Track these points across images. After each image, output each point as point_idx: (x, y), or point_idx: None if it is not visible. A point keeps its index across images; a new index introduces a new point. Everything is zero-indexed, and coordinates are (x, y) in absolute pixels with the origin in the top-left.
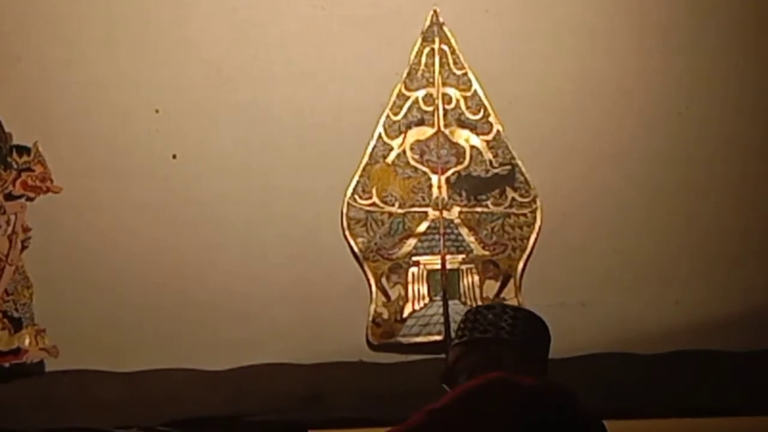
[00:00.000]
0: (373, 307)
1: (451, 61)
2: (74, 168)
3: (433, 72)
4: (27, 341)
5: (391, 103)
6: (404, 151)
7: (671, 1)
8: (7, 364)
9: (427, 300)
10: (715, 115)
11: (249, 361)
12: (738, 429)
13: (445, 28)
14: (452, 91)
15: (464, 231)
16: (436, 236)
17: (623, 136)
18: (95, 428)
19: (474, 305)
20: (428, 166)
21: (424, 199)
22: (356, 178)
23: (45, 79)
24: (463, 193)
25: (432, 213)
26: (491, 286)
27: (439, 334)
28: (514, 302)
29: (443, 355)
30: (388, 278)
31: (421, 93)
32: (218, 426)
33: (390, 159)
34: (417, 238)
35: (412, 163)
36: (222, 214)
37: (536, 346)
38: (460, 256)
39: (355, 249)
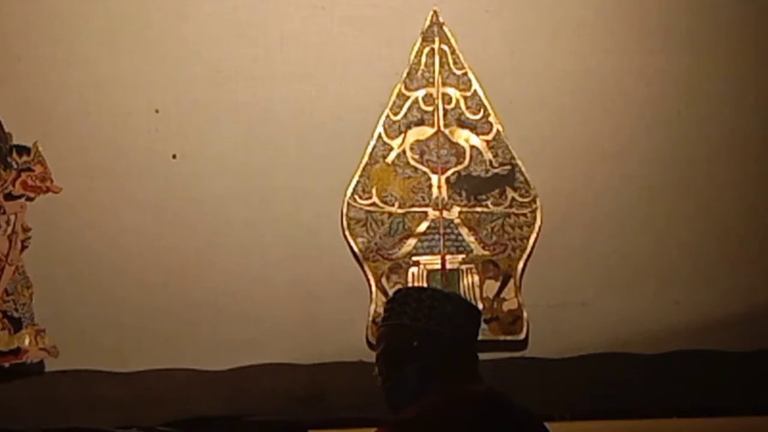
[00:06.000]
0: (373, 307)
1: (451, 61)
2: (74, 168)
3: (433, 72)
4: (27, 341)
5: (391, 103)
6: (404, 151)
7: (671, 1)
8: (7, 364)
9: None
10: (715, 115)
11: (249, 361)
12: (738, 429)
13: (445, 28)
14: (452, 91)
15: (464, 231)
16: (436, 236)
17: (623, 136)
18: (95, 428)
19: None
20: (428, 166)
21: (424, 199)
22: (356, 178)
23: (45, 79)
24: (463, 193)
25: (432, 213)
26: (491, 286)
27: None
28: (514, 302)
29: None
30: (388, 278)
31: (421, 93)
32: (218, 426)
33: (390, 159)
34: (417, 238)
35: (412, 163)
36: (222, 214)
37: (460, 336)
38: (460, 256)
39: (355, 249)
